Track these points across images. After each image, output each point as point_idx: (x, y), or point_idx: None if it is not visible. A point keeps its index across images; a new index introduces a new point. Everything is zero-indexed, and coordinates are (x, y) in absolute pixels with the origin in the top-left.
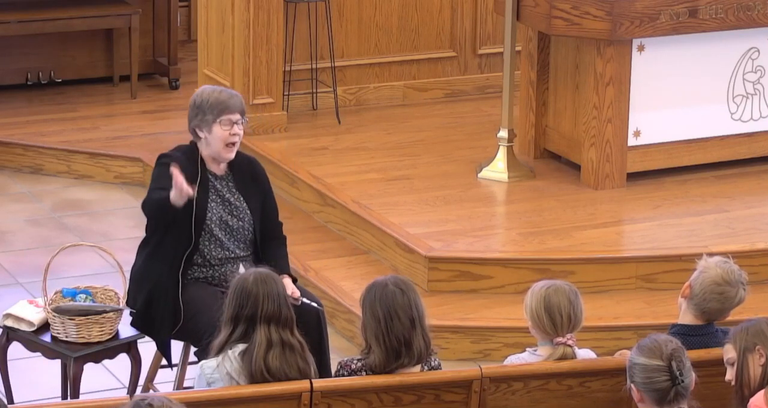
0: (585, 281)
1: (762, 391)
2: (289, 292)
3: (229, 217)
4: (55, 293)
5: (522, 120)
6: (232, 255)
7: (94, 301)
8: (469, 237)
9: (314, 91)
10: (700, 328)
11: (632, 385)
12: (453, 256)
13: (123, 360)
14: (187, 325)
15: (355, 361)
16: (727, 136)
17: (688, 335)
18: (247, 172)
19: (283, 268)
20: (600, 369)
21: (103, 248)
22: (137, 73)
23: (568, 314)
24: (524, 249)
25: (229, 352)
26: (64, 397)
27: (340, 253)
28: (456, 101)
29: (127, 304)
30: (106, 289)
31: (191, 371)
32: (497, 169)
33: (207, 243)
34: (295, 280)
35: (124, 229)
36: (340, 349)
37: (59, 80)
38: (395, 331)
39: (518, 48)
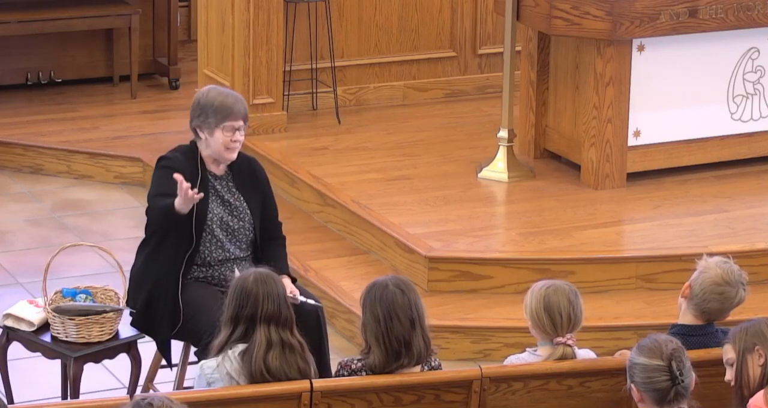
0: (585, 281)
1: (761, 392)
2: (288, 291)
3: (230, 217)
4: (55, 293)
5: (522, 120)
6: (232, 256)
7: (94, 301)
8: (469, 237)
9: (314, 91)
10: (700, 328)
11: (632, 385)
12: (453, 256)
13: (123, 360)
14: (187, 325)
15: (355, 362)
16: (727, 136)
17: (688, 335)
18: (247, 172)
19: (282, 268)
20: (600, 369)
21: (103, 248)
22: (137, 73)
23: (568, 314)
24: (524, 249)
25: (229, 352)
26: (64, 397)
27: (340, 253)
28: (456, 101)
29: (127, 304)
30: (106, 289)
31: (191, 371)
32: (497, 169)
33: (207, 244)
34: (294, 280)
35: (124, 229)
36: (340, 349)
37: (59, 80)
38: (395, 332)
39: (518, 48)
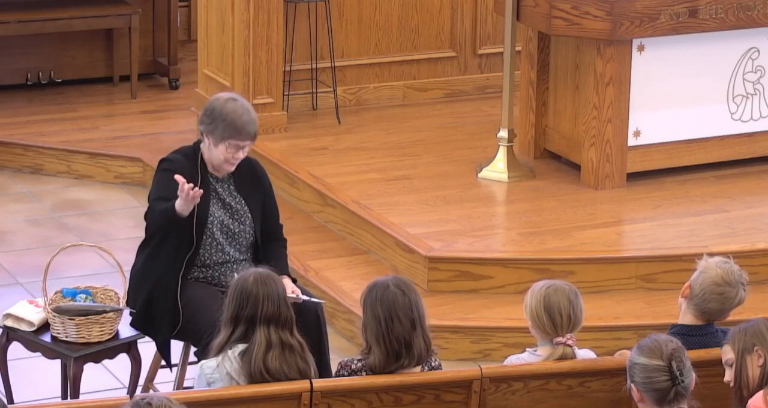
0: (585, 281)
1: (761, 392)
2: (289, 291)
3: (230, 220)
4: (55, 293)
5: (522, 120)
6: (231, 259)
7: (94, 301)
8: (469, 237)
9: (314, 91)
10: (700, 328)
11: (632, 385)
12: (453, 256)
13: (123, 360)
14: (186, 326)
15: (355, 362)
16: (727, 136)
17: (688, 335)
18: (248, 174)
19: (282, 268)
20: (600, 369)
21: (103, 248)
22: (137, 73)
23: (568, 314)
24: (524, 249)
25: (229, 352)
26: (64, 397)
27: (340, 253)
28: (456, 101)
29: (127, 304)
30: (106, 289)
31: (191, 371)
32: (497, 169)
33: (207, 247)
34: (294, 281)
35: (124, 229)
36: (340, 349)
37: (59, 80)
38: (396, 333)
39: (518, 48)
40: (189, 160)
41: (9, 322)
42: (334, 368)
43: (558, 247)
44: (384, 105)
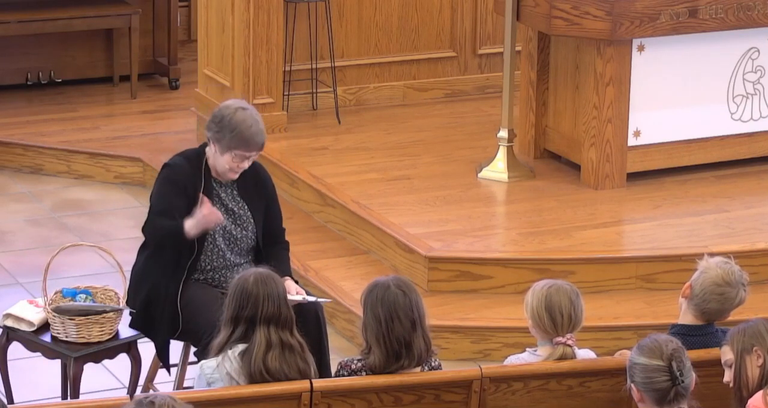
0: (585, 281)
1: (761, 392)
2: (293, 292)
3: (233, 226)
4: (55, 293)
5: (522, 120)
6: (232, 264)
7: (94, 301)
8: (469, 237)
9: (314, 91)
10: (700, 328)
11: (632, 385)
12: (453, 256)
13: (123, 360)
14: (186, 327)
15: (355, 362)
16: (727, 136)
17: (688, 335)
18: (251, 178)
19: (284, 270)
20: (600, 369)
21: (103, 248)
22: (137, 73)
23: (569, 314)
24: (524, 249)
25: (229, 352)
26: (64, 397)
27: (340, 253)
28: (456, 101)
29: (127, 303)
30: (106, 289)
31: (191, 371)
32: (497, 169)
33: (209, 252)
34: (296, 283)
35: (124, 229)
36: (340, 349)
37: (59, 80)
38: (396, 333)
39: (518, 48)
40: (192, 164)
41: (9, 322)
42: (334, 368)
43: (558, 247)
44: (384, 105)
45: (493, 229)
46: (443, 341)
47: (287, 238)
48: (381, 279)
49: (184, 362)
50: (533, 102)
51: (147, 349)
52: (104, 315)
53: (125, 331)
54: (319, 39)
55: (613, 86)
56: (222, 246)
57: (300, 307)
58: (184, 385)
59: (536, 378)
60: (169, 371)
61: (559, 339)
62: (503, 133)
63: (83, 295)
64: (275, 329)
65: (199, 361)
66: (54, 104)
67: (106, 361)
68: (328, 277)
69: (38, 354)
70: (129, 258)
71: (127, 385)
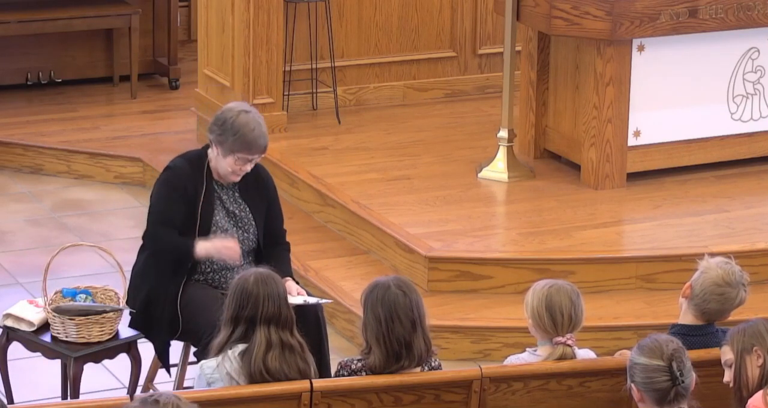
0: (585, 281)
1: (760, 392)
2: (294, 292)
3: (234, 229)
4: (55, 293)
5: (522, 120)
6: (231, 265)
7: (94, 301)
8: (469, 237)
9: (314, 91)
10: (701, 328)
11: (632, 385)
12: (453, 256)
13: (123, 360)
14: (186, 327)
15: (355, 362)
16: (727, 136)
17: (689, 335)
18: (253, 180)
19: (285, 271)
20: (600, 369)
21: (103, 248)
22: (137, 73)
23: (569, 314)
24: (524, 249)
25: (229, 352)
26: (64, 397)
27: (340, 253)
28: (456, 101)
29: (127, 303)
30: (106, 289)
31: (191, 371)
32: (497, 169)
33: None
34: (296, 283)
35: (124, 229)
36: (340, 349)
37: (59, 80)
38: (396, 333)
39: (518, 48)
40: (194, 166)
41: (9, 322)
42: (334, 368)
43: (558, 247)
44: (384, 105)
45: (493, 229)
46: (443, 341)
47: (288, 238)
48: (381, 279)
49: (184, 362)
50: (533, 102)
51: (147, 349)
52: (104, 315)
53: (125, 331)
54: (319, 39)
55: (613, 86)
56: None
57: (300, 307)
58: (184, 385)
59: (536, 378)
60: (169, 371)
61: (559, 339)
62: (503, 133)
63: (83, 295)
64: (275, 329)
65: (199, 361)
66: (54, 104)
67: (106, 361)
68: (328, 277)
69: (38, 354)
70: (129, 258)
71: (127, 385)
